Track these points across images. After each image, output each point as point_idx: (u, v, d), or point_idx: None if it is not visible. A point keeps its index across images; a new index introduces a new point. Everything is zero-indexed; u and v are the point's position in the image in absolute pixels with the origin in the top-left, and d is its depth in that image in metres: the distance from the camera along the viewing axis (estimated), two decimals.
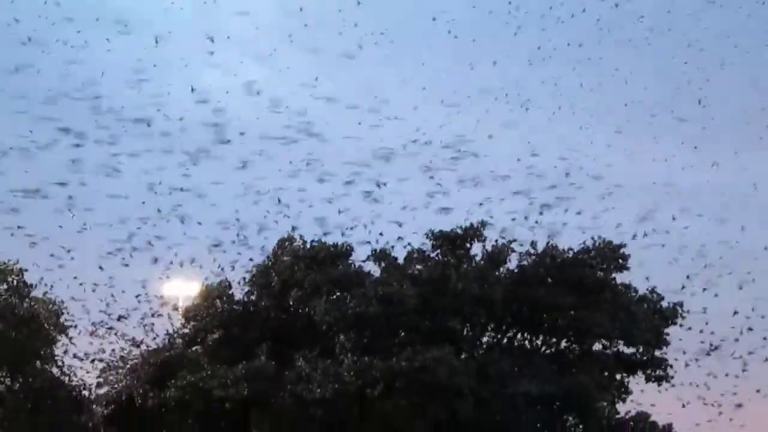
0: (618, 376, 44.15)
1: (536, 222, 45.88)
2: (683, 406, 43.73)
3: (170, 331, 46.89)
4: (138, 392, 43.49)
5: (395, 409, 39.13)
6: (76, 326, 48.68)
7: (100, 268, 46.78)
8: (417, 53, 55.92)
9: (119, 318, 47.34)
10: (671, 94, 55.07)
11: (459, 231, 44.03)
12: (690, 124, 51.86)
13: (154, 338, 47.23)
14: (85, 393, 49.30)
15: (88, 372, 48.53)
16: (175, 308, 46.61)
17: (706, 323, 44.03)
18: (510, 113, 51.10)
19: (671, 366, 44.17)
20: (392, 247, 44.53)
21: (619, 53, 54.14)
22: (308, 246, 44.41)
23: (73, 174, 45.53)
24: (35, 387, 47.51)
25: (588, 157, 49.78)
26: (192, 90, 46.58)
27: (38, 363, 48.07)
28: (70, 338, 48.25)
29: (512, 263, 44.49)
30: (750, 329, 44.27)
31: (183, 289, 47.84)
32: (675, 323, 44.25)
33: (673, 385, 44.09)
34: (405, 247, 44.50)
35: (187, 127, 47.23)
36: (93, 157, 46.32)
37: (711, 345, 44.07)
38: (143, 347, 46.94)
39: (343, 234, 45.13)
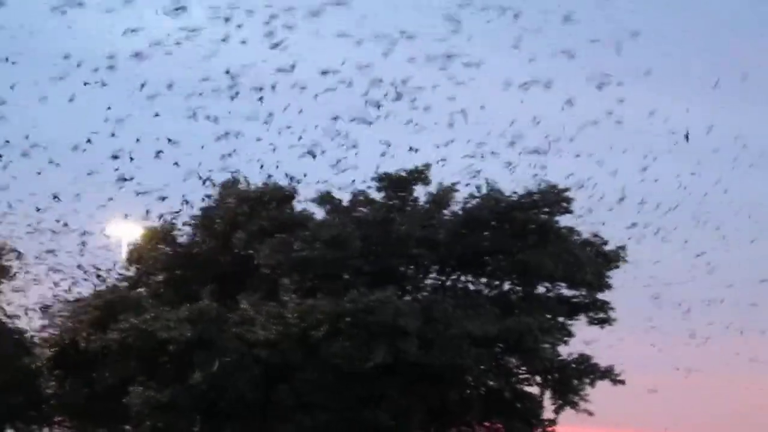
0: (561, 319, 44.51)
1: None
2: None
3: (113, 272, 46.86)
4: (81, 335, 43.20)
5: (340, 350, 39.11)
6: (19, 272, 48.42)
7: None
8: None
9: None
10: None
11: (404, 174, 44.01)
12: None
13: (100, 276, 47.20)
14: (28, 335, 49.09)
15: (29, 313, 48.38)
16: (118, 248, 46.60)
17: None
18: None
19: (613, 309, 44.72)
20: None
21: None
22: (252, 188, 44.30)
23: None
24: None
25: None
26: None
27: None
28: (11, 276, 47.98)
29: (457, 206, 44.60)
30: None
31: (127, 231, 47.59)
32: (618, 267, 44.72)
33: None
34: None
35: None
36: None
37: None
38: (85, 290, 46.79)
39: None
